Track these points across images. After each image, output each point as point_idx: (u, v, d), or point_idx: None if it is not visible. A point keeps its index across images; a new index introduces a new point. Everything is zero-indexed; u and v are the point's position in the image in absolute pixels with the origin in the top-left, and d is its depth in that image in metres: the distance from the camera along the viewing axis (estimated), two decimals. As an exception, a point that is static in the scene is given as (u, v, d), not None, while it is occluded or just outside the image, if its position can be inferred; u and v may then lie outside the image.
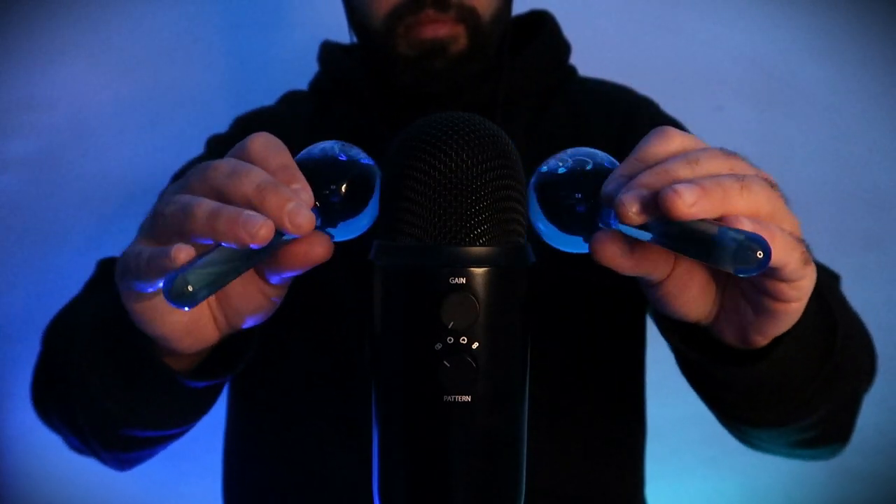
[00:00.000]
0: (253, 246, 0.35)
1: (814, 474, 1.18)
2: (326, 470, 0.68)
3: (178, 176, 0.68)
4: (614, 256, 0.38)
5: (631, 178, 0.36)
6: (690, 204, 0.33)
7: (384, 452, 0.38)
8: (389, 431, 0.38)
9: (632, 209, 0.34)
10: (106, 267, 0.64)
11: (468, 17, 0.62)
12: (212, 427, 0.89)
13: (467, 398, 0.36)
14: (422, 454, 0.37)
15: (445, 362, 0.36)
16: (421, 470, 0.37)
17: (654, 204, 0.34)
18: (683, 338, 0.46)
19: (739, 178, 0.35)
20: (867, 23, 1.12)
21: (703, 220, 0.33)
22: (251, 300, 0.42)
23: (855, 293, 0.63)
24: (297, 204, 0.36)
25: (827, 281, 0.54)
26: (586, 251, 0.41)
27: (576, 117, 0.72)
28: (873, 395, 0.61)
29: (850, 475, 1.17)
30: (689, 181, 0.34)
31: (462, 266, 0.36)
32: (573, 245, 0.42)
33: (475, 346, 0.36)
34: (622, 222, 0.36)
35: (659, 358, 0.75)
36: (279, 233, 0.36)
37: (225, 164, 0.38)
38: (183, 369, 0.47)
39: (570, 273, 0.66)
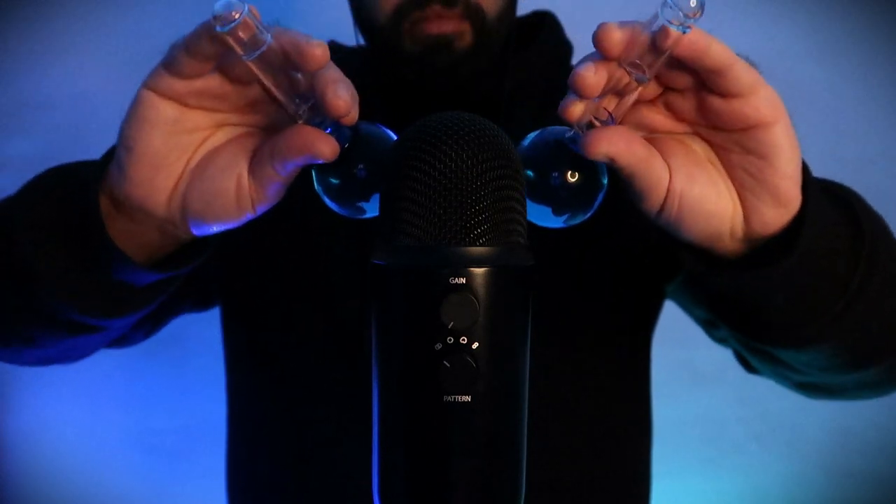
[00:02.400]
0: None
1: (814, 474, 1.18)
2: (330, 455, 0.68)
3: None
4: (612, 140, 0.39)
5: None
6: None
7: (384, 452, 0.38)
8: (389, 431, 0.38)
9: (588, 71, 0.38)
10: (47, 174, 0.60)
11: (474, 14, 0.63)
12: (212, 427, 0.89)
13: (467, 398, 0.36)
14: (422, 454, 0.37)
15: (445, 362, 0.36)
16: (421, 470, 0.37)
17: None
18: (712, 266, 0.45)
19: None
20: (867, 23, 1.12)
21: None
22: (223, 196, 0.42)
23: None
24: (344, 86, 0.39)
25: (856, 197, 0.53)
26: (557, 224, 0.43)
27: None
28: (873, 394, 0.61)
29: (850, 475, 1.17)
30: None
31: (462, 266, 0.36)
32: (540, 216, 0.43)
33: (475, 346, 0.36)
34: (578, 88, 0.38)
35: (659, 359, 0.75)
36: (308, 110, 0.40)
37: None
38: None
39: (574, 268, 0.66)
